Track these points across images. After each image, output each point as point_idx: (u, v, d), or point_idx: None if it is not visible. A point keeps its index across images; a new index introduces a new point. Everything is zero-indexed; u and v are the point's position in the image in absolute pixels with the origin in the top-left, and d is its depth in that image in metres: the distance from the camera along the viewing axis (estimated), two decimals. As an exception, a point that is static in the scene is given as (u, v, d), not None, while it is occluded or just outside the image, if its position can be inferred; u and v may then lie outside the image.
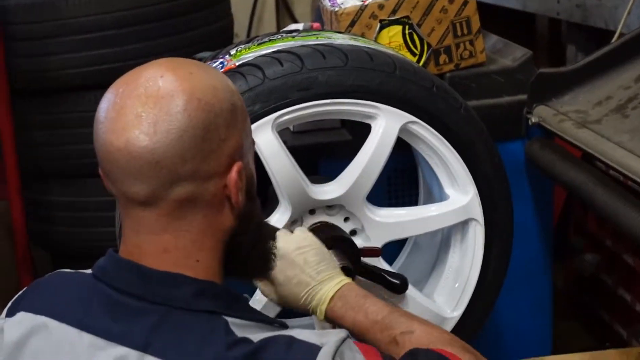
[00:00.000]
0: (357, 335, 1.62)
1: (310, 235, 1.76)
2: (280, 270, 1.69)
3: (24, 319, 1.39)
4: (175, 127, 1.25)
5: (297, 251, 1.70)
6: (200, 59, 2.44)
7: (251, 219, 1.43)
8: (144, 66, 1.32)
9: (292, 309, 1.78)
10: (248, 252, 1.45)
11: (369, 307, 1.62)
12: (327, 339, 1.28)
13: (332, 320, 1.69)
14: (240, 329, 1.29)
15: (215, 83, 1.33)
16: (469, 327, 2.24)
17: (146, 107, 1.26)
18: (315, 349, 1.25)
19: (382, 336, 1.58)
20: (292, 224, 2.05)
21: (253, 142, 1.47)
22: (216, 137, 1.29)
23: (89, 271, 1.41)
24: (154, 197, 1.28)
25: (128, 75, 1.32)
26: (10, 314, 1.43)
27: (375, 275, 1.98)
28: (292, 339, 1.27)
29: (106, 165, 1.31)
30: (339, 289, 1.67)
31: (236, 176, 1.33)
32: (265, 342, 1.26)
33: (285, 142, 2.03)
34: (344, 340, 1.30)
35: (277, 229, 1.67)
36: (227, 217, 1.36)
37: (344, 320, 1.64)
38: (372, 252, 2.03)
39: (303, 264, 1.70)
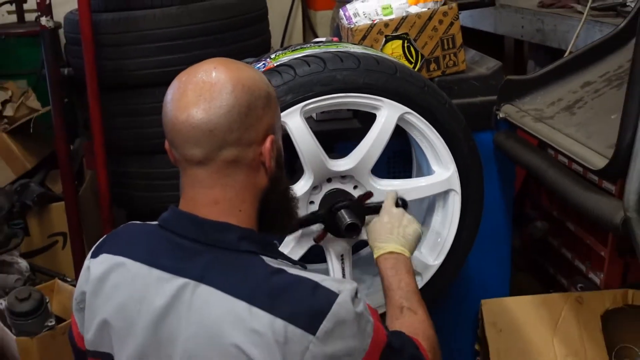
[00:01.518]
0: (383, 286, 1.71)
1: (413, 220, 1.89)
2: (381, 220, 1.87)
3: (106, 259, 1.41)
4: (225, 105, 1.29)
5: (402, 220, 1.86)
6: (248, 62, 2.44)
7: (279, 183, 1.43)
8: (200, 62, 1.37)
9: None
10: (277, 208, 1.43)
11: (405, 278, 1.69)
12: (343, 287, 1.27)
13: (377, 264, 1.78)
14: (274, 264, 1.31)
15: (254, 75, 1.37)
16: (446, 273, 2.23)
17: (203, 90, 1.30)
18: (334, 295, 1.25)
19: (397, 299, 1.63)
20: (313, 189, 2.04)
21: (281, 125, 1.50)
22: (255, 114, 1.32)
23: (154, 222, 1.43)
24: (207, 158, 1.31)
25: (189, 68, 1.36)
26: (94, 255, 1.44)
27: (379, 208, 1.96)
28: (317, 284, 1.27)
29: (172, 135, 1.34)
30: (398, 253, 1.76)
31: (269, 146, 1.35)
32: (296, 280, 1.28)
33: (310, 127, 2.01)
34: (356, 290, 1.30)
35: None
36: (262, 178, 1.37)
37: (383, 271, 1.73)
38: (367, 196, 2.03)
39: (398, 226, 1.83)
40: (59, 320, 2.95)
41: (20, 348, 2.86)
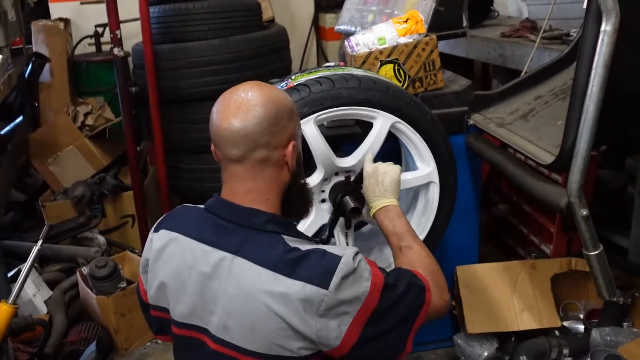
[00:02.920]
0: (385, 236, 1.67)
1: (387, 169, 1.83)
2: (364, 184, 1.83)
3: (164, 234, 1.41)
4: (257, 115, 1.30)
5: (377, 176, 1.80)
6: (272, 83, 2.43)
7: (298, 178, 1.42)
8: (239, 84, 1.36)
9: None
10: (296, 197, 1.41)
11: (397, 222, 1.65)
12: (345, 251, 1.27)
13: (375, 217, 1.73)
14: (292, 242, 1.30)
15: (281, 95, 1.37)
16: (428, 246, 2.16)
17: (241, 104, 1.30)
18: (338, 257, 1.25)
19: (395, 242, 1.60)
20: (324, 181, 2.03)
21: (301, 133, 1.47)
22: (281, 124, 1.32)
23: (201, 206, 1.42)
24: (243, 157, 1.31)
25: (230, 89, 1.36)
26: (155, 230, 1.45)
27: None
28: (324, 251, 1.27)
29: (216, 138, 1.34)
30: (387, 205, 1.72)
31: (291, 149, 1.35)
32: (308, 251, 1.27)
33: (322, 132, 2.01)
34: (357, 252, 1.30)
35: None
36: (285, 174, 1.37)
37: (381, 224, 1.69)
38: (348, 178, 2.03)
39: (378, 184, 1.78)
40: (129, 282, 2.98)
41: (99, 304, 2.88)
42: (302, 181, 1.45)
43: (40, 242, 2.33)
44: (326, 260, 1.25)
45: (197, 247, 1.33)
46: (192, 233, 1.36)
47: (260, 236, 1.30)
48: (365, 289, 1.26)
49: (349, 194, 1.98)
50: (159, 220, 1.47)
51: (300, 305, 1.21)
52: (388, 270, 1.37)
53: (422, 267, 1.46)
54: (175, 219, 1.44)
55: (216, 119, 1.32)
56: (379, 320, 1.28)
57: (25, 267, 2.29)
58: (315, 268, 1.23)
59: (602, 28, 1.56)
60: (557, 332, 2.45)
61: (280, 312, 1.22)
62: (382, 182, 1.78)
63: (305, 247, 1.28)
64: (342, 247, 1.36)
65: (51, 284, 3.17)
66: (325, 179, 2.04)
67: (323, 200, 2.06)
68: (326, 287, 1.21)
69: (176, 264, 1.36)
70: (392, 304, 1.30)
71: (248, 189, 1.33)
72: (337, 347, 1.25)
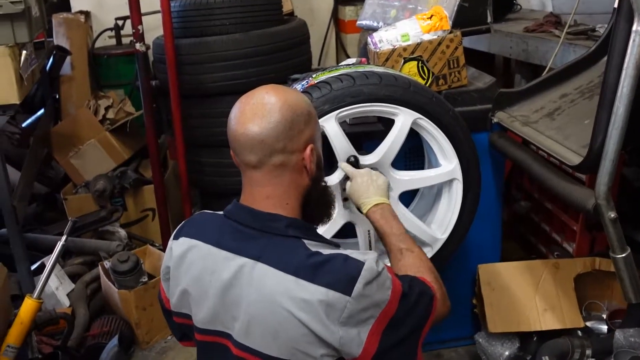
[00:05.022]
0: (379, 234, 1.64)
1: (378, 173, 1.82)
2: (356, 181, 1.78)
3: (184, 242, 1.40)
4: (273, 121, 1.28)
5: (371, 175, 1.78)
6: (295, 79, 2.42)
7: (319, 182, 1.40)
8: (255, 89, 1.33)
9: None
10: (317, 201, 1.40)
11: (394, 223, 1.62)
12: (367, 257, 1.25)
13: (367, 217, 1.70)
14: (313, 246, 1.28)
15: (297, 98, 1.34)
16: (451, 244, 2.21)
17: (257, 109, 1.28)
18: (361, 263, 1.23)
19: (394, 243, 1.56)
20: (345, 179, 2.01)
21: (320, 136, 1.43)
22: (297, 127, 1.30)
23: (220, 212, 1.40)
24: (260, 162, 1.30)
25: (247, 94, 1.33)
26: (175, 238, 1.44)
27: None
28: (347, 256, 1.24)
29: (234, 144, 1.32)
30: (382, 203, 1.69)
31: (309, 152, 1.32)
32: (330, 256, 1.24)
33: (343, 130, 2.00)
34: (377, 258, 1.27)
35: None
36: (304, 179, 1.35)
37: (375, 221, 1.66)
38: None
39: (372, 182, 1.75)
40: (150, 277, 3.00)
41: (121, 298, 2.91)
42: (323, 184, 1.43)
43: (64, 238, 2.35)
44: (349, 266, 1.23)
45: (217, 253, 1.32)
46: (212, 240, 1.35)
47: (281, 241, 1.28)
48: (386, 297, 1.24)
49: None
50: (179, 227, 1.46)
51: (323, 312, 1.19)
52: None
53: (427, 271, 1.45)
54: (195, 225, 1.43)
55: (233, 124, 1.31)
56: (396, 328, 1.26)
57: (49, 262, 2.32)
58: (337, 274, 1.22)
59: (634, 28, 1.53)
60: (579, 333, 2.43)
61: (303, 318, 1.20)
62: (376, 182, 1.76)
63: (327, 251, 1.26)
64: (363, 252, 1.34)
65: (73, 277, 3.21)
66: (347, 178, 2.02)
67: (345, 199, 2.04)
68: (349, 293, 1.20)
69: (197, 270, 1.35)
70: (407, 312, 1.29)
71: (267, 195, 1.32)
72: (359, 358, 1.23)
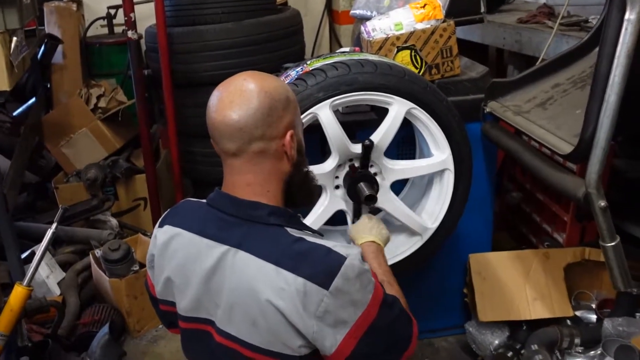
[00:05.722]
0: None
1: (379, 222, 1.84)
2: (364, 220, 1.83)
3: (168, 230, 1.40)
4: (251, 107, 1.25)
5: (380, 223, 1.82)
6: (287, 67, 2.41)
7: (300, 167, 1.38)
8: (233, 76, 1.31)
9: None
10: (299, 187, 1.39)
11: (382, 262, 1.65)
12: (350, 251, 1.24)
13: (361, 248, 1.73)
14: (297, 233, 1.28)
15: (276, 84, 1.31)
16: (442, 234, 2.20)
17: (235, 97, 1.26)
18: (342, 258, 1.22)
19: (379, 276, 1.53)
20: (338, 167, 2.01)
21: (301, 121, 1.42)
22: (276, 114, 1.28)
23: (204, 200, 1.40)
24: (239, 150, 1.28)
25: (224, 81, 1.31)
26: (160, 226, 1.44)
27: (368, 175, 2.01)
28: (330, 249, 1.23)
29: (212, 132, 1.31)
30: (378, 243, 1.74)
31: (289, 138, 1.31)
32: (314, 246, 1.24)
33: (337, 118, 1.98)
34: (361, 254, 1.27)
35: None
36: (285, 165, 1.33)
37: (367, 253, 1.68)
38: (353, 167, 2.03)
39: (377, 227, 1.79)
40: (141, 265, 2.98)
41: (112, 287, 2.90)
42: (305, 169, 1.41)
43: (54, 225, 2.33)
44: (330, 259, 1.22)
45: (200, 242, 1.32)
46: (195, 228, 1.34)
47: (263, 229, 1.28)
48: (366, 299, 1.23)
49: (363, 180, 1.97)
50: (163, 215, 1.46)
51: (300, 302, 1.19)
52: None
53: (403, 303, 1.43)
54: (179, 214, 1.42)
55: (211, 112, 1.29)
56: (375, 337, 1.26)
57: (39, 249, 2.30)
58: (318, 266, 1.21)
59: (626, 17, 1.53)
60: (569, 322, 2.44)
61: (281, 307, 1.20)
62: (381, 229, 1.80)
63: (310, 239, 1.26)
64: (348, 245, 1.33)
65: (64, 266, 3.20)
66: (339, 165, 2.02)
67: (337, 187, 2.04)
68: (327, 287, 1.19)
69: (180, 258, 1.35)
70: (389, 323, 1.28)
71: (247, 182, 1.31)
72: (331, 356, 1.23)
